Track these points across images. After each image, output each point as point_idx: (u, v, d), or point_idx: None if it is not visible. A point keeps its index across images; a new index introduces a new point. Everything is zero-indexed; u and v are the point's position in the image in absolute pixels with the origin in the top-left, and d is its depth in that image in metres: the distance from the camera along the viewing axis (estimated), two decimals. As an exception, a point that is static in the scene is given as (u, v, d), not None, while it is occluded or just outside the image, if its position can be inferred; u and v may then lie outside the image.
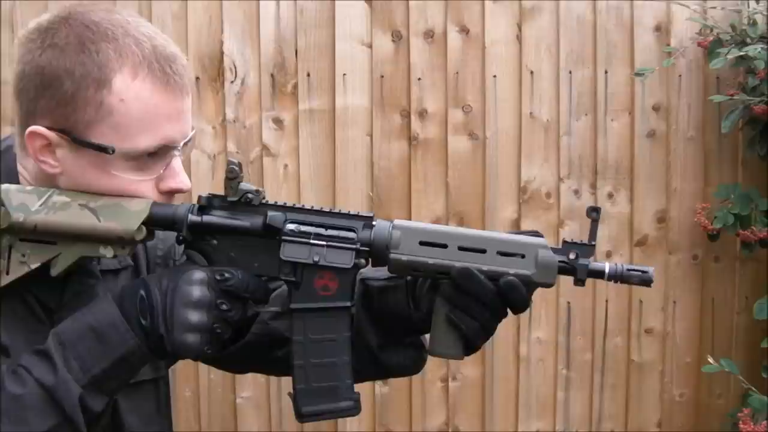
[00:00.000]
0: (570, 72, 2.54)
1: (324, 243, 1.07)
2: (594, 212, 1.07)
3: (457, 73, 2.52)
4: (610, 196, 2.58)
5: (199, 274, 1.04)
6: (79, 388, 0.99)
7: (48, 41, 1.03)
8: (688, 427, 2.64)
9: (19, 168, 1.11)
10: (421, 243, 1.06)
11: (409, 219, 2.40)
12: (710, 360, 2.32)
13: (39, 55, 1.03)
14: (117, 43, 1.03)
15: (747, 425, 2.24)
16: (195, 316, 1.02)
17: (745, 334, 2.62)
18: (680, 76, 2.56)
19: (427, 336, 1.11)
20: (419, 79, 2.51)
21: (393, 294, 1.14)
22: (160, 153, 1.06)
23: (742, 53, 2.33)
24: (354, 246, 1.07)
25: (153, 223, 1.06)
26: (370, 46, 2.49)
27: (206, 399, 2.53)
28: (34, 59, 1.03)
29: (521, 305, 1.06)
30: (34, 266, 1.05)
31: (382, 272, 1.12)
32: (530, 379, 2.60)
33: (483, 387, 2.60)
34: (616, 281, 1.07)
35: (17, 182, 1.10)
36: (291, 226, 1.07)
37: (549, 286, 1.07)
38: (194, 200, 1.09)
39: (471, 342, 1.07)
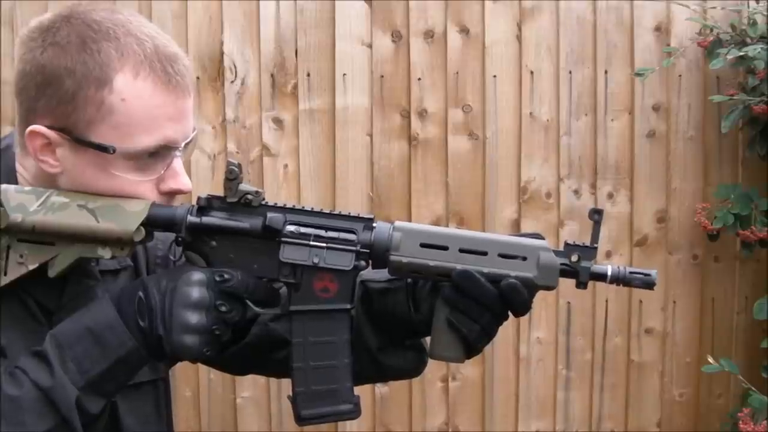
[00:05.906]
0: (570, 72, 2.54)
1: (324, 245, 1.06)
2: (596, 214, 1.06)
3: (457, 73, 2.51)
4: (610, 196, 2.58)
5: (198, 275, 1.03)
6: (75, 390, 0.98)
7: (49, 40, 1.03)
8: (688, 427, 2.64)
9: (19, 167, 1.10)
10: (422, 245, 1.05)
11: (409, 219, 2.41)
12: (710, 360, 2.32)
13: (40, 53, 1.03)
14: (118, 43, 1.03)
15: (747, 425, 2.23)
16: (194, 317, 1.01)
17: (745, 334, 2.61)
18: (680, 76, 2.56)
19: (428, 339, 1.11)
20: (419, 79, 2.51)
21: (393, 296, 1.13)
22: (160, 153, 1.06)
23: (742, 53, 2.33)
24: (354, 248, 1.06)
25: (152, 224, 1.06)
26: (370, 46, 2.49)
27: (206, 399, 2.52)
28: (35, 58, 1.03)
29: (522, 308, 1.05)
30: (32, 267, 1.05)
31: (383, 274, 1.11)
32: (530, 379, 2.60)
33: (483, 387, 2.59)
34: (618, 284, 1.06)
35: (16, 182, 1.09)
36: (290, 228, 1.06)
37: (551, 288, 1.06)
38: (194, 201, 1.09)
39: (472, 345, 1.06)
